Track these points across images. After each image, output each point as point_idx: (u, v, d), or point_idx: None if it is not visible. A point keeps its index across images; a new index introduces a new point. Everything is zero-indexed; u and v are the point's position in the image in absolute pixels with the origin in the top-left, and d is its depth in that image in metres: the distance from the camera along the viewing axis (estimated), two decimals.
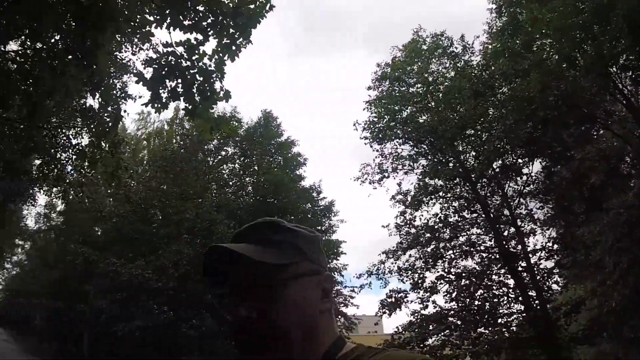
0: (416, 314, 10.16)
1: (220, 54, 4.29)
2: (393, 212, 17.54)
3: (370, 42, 64.58)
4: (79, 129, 9.30)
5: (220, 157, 16.45)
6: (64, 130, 9.40)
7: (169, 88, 4.30)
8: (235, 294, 0.67)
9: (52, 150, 9.43)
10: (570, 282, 9.30)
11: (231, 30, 4.26)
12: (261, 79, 57.90)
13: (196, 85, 4.34)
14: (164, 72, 4.35)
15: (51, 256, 24.62)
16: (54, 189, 10.57)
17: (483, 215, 9.89)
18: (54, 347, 23.18)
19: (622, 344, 7.99)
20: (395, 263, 10.92)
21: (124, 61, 8.64)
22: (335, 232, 13.33)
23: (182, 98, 4.42)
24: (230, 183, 14.83)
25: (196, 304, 11.70)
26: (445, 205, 10.40)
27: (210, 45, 4.38)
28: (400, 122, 10.71)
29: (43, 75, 4.59)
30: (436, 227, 10.34)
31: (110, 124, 5.95)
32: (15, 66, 5.76)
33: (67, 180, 10.03)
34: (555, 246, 9.66)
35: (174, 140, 18.07)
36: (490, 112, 9.60)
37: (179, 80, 4.37)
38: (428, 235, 10.31)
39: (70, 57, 4.54)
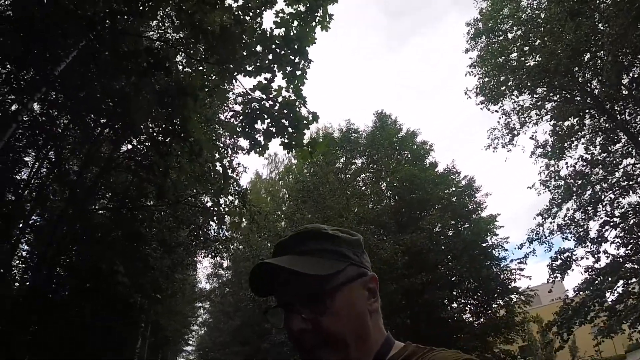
0: (590, 270, 10.28)
1: (293, 82, 5.08)
2: (536, 170, 17.44)
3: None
4: (201, 194, 12.14)
5: (350, 171, 18.80)
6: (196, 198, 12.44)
7: (262, 130, 5.03)
8: (287, 308, 0.81)
9: (194, 219, 12.68)
10: None
11: (290, 57, 5.01)
12: (363, 79, 61.73)
13: (283, 119, 5.10)
14: (254, 117, 5.22)
15: (229, 308, 29.95)
16: (206, 252, 13.71)
17: (631, 142, 9.74)
18: None
19: None
20: (554, 222, 11.29)
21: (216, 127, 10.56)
22: (485, 208, 14.03)
23: (275, 135, 5.23)
24: (368, 192, 16.76)
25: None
26: (588, 144, 10.48)
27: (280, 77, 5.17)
28: (509, 73, 11.47)
29: (156, 161, 6.21)
30: (585, 170, 10.51)
31: (222, 181, 7.20)
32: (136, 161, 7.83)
33: (217, 242, 13.47)
34: None
35: (305, 171, 21.10)
36: (600, 28, 9.67)
37: (268, 120, 5.18)
38: (579, 181, 10.48)
39: (168, 138, 5.82)
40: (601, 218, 10.88)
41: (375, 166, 18.63)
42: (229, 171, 11.44)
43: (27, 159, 9.27)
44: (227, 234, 13.52)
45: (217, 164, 6.52)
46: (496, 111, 12.84)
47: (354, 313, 0.81)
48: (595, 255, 10.98)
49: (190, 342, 43.86)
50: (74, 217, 8.69)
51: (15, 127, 5.16)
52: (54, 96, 7.05)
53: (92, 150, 9.02)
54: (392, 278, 12.97)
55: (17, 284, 12.51)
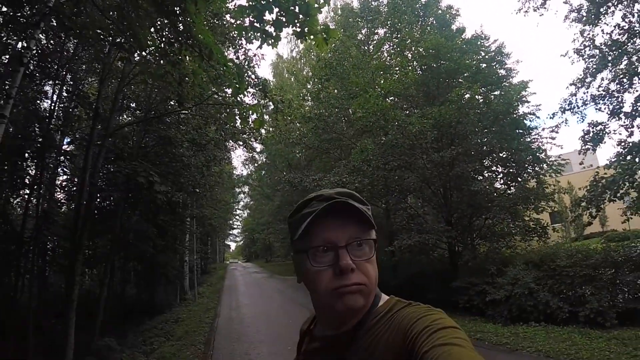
0: (623, 143, 10.12)
1: None
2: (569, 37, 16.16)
3: None
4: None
5: (373, 42, 18.13)
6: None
7: (272, 21, 4.82)
8: (331, 245, 0.94)
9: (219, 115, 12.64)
10: None
11: None
12: None
13: (293, 6, 4.94)
14: (261, 8, 4.93)
15: (267, 190, 31.51)
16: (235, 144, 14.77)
17: None
18: None
19: None
20: (587, 92, 10.85)
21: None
22: (516, 74, 13.55)
23: (286, 24, 4.98)
24: (392, 64, 16.31)
25: (395, 190, 14.04)
26: (627, 10, 9.63)
27: None
28: None
29: (168, 70, 6.13)
30: (622, 39, 9.76)
31: (238, 81, 6.88)
32: None
33: (244, 134, 14.01)
34: None
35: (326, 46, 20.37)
36: None
37: (276, 10, 4.97)
38: (615, 51, 9.88)
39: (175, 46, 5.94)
40: (637, 91, 10.47)
41: (399, 35, 17.87)
42: (245, 63, 11.48)
43: (46, 88, 9.55)
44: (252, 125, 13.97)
45: (230, 64, 6.49)
46: None
47: (375, 267, 0.98)
48: (629, 130, 10.78)
49: (235, 226, 47.85)
50: (104, 134, 9.17)
51: (23, 70, 5.35)
52: (54, 23, 7.02)
53: (106, 68, 9.13)
54: (421, 152, 13.37)
55: (63, 208, 13.78)
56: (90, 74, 11.45)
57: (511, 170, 13.71)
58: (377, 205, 16.46)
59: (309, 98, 22.36)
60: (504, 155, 13.78)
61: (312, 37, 5.04)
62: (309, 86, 24.49)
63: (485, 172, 14.15)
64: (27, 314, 9.65)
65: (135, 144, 11.41)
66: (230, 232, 53.11)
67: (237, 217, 47.37)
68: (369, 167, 13.94)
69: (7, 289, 11.08)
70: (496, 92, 13.93)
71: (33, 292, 9.89)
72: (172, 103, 12.11)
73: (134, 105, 12.73)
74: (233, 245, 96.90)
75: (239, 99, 8.44)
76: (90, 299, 13.69)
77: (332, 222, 0.94)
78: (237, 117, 9.07)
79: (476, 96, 13.52)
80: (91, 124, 9.18)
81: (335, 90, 19.49)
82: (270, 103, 11.63)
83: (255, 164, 36.78)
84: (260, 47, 5.53)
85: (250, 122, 9.49)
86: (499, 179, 14.26)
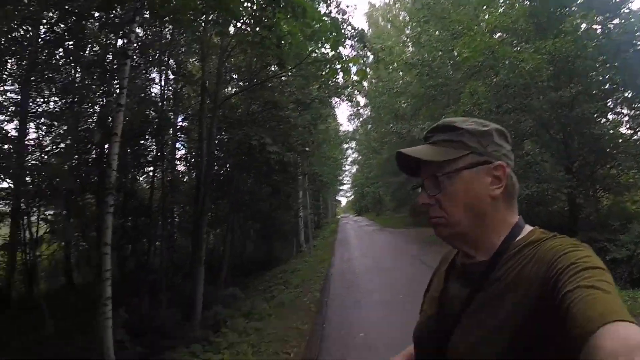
0: None
1: None
2: None
3: None
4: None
5: None
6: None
7: None
8: (420, 187, 1.05)
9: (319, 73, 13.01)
10: None
11: None
12: None
13: None
14: None
15: (374, 143, 31.68)
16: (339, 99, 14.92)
17: None
18: None
19: None
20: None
21: None
22: (633, 0, 11.70)
23: None
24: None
25: (512, 134, 13.37)
26: None
27: None
28: None
29: (265, 35, 6.37)
30: None
31: (335, 34, 6.91)
32: None
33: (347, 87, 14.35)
34: None
35: None
36: None
37: None
38: None
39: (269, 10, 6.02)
40: None
41: None
42: (339, 16, 11.53)
43: (153, 75, 10.68)
44: (355, 77, 14.15)
45: (324, 18, 6.67)
46: None
47: (470, 196, 0.96)
48: None
49: (345, 182, 49.17)
50: (213, 107, 10.05)
51: (129, 62, 6.08)
52: (148, 15, 7.71)
53: (205, 46, 9.87)
54: (537, 92, 12.47)
55: (185, 178, 15.50)
56: (191, 55, 12.51)
57: (638, 112, 12.25)
58: None
59: (409, 44, 21.72)
60: (630, 95, 12.30)
61: None
62: (407, 31, 23.72)
63: (610, 113, 12.83)
64: (159, 274, 11.30)
65: (243, 112, 12.27)
66: (340, 187, 54.81)
67: (346, 172, 48.59)
68: (480, 111, 13.38)
69: (141, 255, 13.03)
70: (615, 21, 12.34)
71: (164, 256, 11.46)
72: (272, 68, 12.80)
73: (236, 76, 13.59)
74: (344, 201, 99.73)
75: (339, 51, 8.63)
76: (213, 257, 15.46)
77: (421, 161, 1.02)
78: (338, 71, 9.27)
79: (593, 26, 12.10)
80: (200, 100, 10.13)
81: (437, 32, 18.70)
82: (370, 54, 11.66)
83: (361, 119, 37.04)
84: None
85: (352, 75, 9.67)
86: (624, 122, 12.85)
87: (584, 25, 12.12)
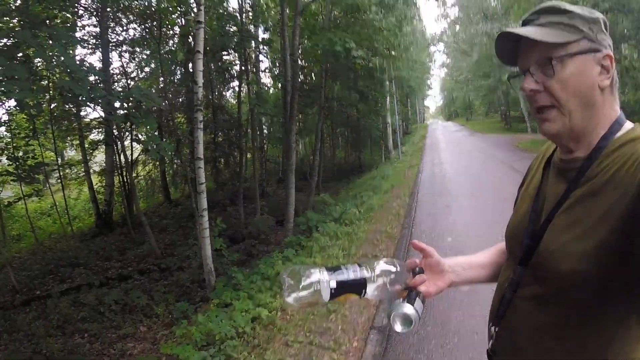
0: None
1: None
2: None
3: None
4: None
5: None
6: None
7: None
8: (524, 73, 0.95)
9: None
10: None
11: None
12: None
13: None
14: None
15: (463, 45, 29.94)
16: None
17: None
18: None
19: None
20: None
21: None
22: None
23: None
24: None
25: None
26: None
27: None
28: None
29: None
30: None
31: None
32: None
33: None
34: None
35: None
36: None
37: None
38: None
39: None
40: None
41: None
42: None
43: None
44: None
45: None
46: None
47: (581, 83, 0.89)
48: None
49: (433, 87, 47.04)
50: (293, 15, 9.68)
51: None
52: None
53: None
54: None
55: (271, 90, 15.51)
56: None
57: None
58: None
59: None
60: None
61: None
62: None
63: None
64: (253, 183, 11.79)
65: (325, 18, 11.78)
66: (428, 93, 52.55)
67: (434, 76, 46.34)
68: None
69: (234, 166, 13.66)
70: None
71: (256, 165, 11.92)
72: None
73: None
74: (432, 106, 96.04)
75: None
76: (304, 164, 15.92)
77: (523, 46, 0.95)
78: None
79: None
80: (280, 10, 9.80)
81: None
82: None
83: (448, 20, 34.23)
84: None
85: None
86: None
87: None
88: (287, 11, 10.26)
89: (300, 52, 10.72)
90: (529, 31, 0.91)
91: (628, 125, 0.92)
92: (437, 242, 6.43)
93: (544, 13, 0.95)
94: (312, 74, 14.00)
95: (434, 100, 75.29)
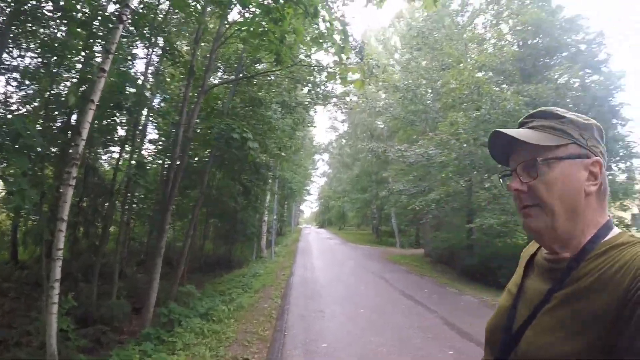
0: None
1: None
2: None
3: None
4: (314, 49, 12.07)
5: (468, 13, 17.36)
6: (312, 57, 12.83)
7: None
8: (511, 171, 0.98)
9: (311, 78, 12.95)
10: None
11: None
12: None
13: None
14: None
15: (347, 158, 31.82)
16: (328, 106, 14.20)
17: None
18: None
19: None
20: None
21: None
22: (612, 61, 12.52)
23: None
24: (488, 37, 15.50)
25: (482, 167, 13.54)
26: None
27: None
28: None
29: (270, 28, 6.11)
30: None
31: (342, 39, 6.34)
32: None
33: (335, 96, 14.17)
34: None
35: (417, 15, 19.96)
36: None
37: None
38: None
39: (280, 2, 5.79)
40: None
41: (495, 7, 16.73)
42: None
43: (135, 51, 10.11)
44: (346, 88, 14.04)
45: (336, 22, 6.42)
46: None
47: (566, 186, 0.90)
48: None
49: (312, 193, 49.16)
50: (199, 92, 9.58)
51: (122, 27, 5.60)
52: None
53: (201, 27, 9.45)
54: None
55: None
56: (181, 37, 11.97)
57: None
58: (458, 183, 16.05)
59: (397, 68, 21.84)
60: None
61: None
62: (396, 56, 23.95)
63: None
64: (113, 261, 10.58)
65: (226, 105, 11.83)
66: (306, 198, 54.65)
67: (314, 182, 48.49)
68: (457, 141, 13.52)
69: (94, 237, 12.22)
70: (594, 77, 13.11)
71: (119, 242, 10.79)
72: (258, 67, 12.46)
73: (222, 67, 13.07)
74: (307, 211, 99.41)
75: (343, 57, 8.35)
76: (171, 250, 14.81)
77: (516, 147, 0.97)
78: (337, 77, 9.00)
79: (573, 79, 12.60)
80: (186, 82, 9.62)
81: (424, 62, 18.91)
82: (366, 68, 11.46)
83: (336, 133, 37.07)
84: (365, 6, 5.51)
85: (349, 83, 9.44)
86: None
87: (565, 77, 12.57)
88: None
89: (195, 130, 10.43)
90: (519, 132, 0.95)
91: (616, 230, 0.92)
92: (311, 348, 6.09)
93: (537, 117, 1.00)
94: (200, 156, 13.58)
95: (309, 205, 78.03)
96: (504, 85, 14.50)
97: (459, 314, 8.78)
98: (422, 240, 26.08)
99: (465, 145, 13.26)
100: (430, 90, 19.11)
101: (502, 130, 0.95)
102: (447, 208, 15.53)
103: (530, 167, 0.93)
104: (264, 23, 6.83)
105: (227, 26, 9.65)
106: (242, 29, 8.21)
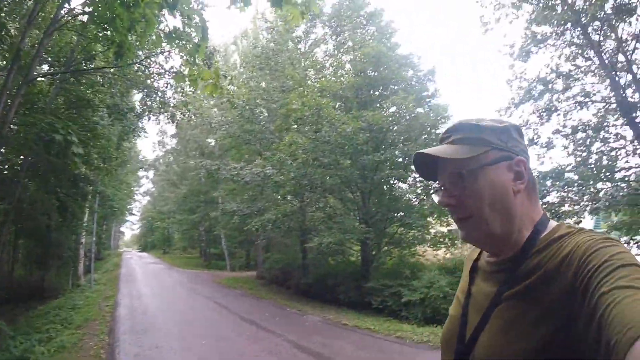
0: (534, 171, 10.83)
1: None
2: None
3: None
4: (167, 54, 11.42)
5: (311, 41, 17.97)
6: (153, 59, 11.81)
7: None
8: (440, 187, 0.99)
9: (149, 82, 12.14)
10: None
11: None
12: None
13: None
14: None
15: (174, 176, 29.97)
16: (161, 116, 12.93)
17: (597, 63, 9.98)
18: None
19: None
20: (508, 119, 11.55)
21: None
22: (440, 95, 14.40)
23: None
24: (327, 65, 16.24)
25: (318, 188, 13.89)
26: (556, 54, 10.64)
27: None
28: None
29: (119, 13, 5.17)
30: (548, 78, 10.71)
31: (200, 38, 5.71)
32: None
33: (172, 105, 13.09)
34: None
35: (261, 37, 20.01)
36: None
37: None
38: (540, 87, 10.77)
39: None
40: (553, 126, 11.32)
41: (337, 38, 17.78)
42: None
43: None
44: (186, 98, 12.93)
45: (196, 16, 5.73)
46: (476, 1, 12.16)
47: (494, 191, 0.91)
48: (541, 159, 11.45)
49: (134, 213, 44.33)
50: (21, 83, 7.69)
51: None
52: None
53: (35, 10, 7.67)
54: (353, 153, 13.35)
55: None
56: (12, 17, 9.61)
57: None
58: (292, 203, 16.22)
59: (235, 83, 21.41)
60: None
61: (288, 7, 4.71)
62: (234, 73, 23.52)
63: (410, 179, 14.56)
64: None
65: (48, 102, 9.78)
66: (129, 217, 49.19)
67: (137, 201, 43.90)
68: (294, 161, 13.65)
69: None
70: (420, 109, 14.68)
71: None
72: (91, 65, 10.66)
73: (50, 60, 10.82)
74: (128, 234, 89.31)
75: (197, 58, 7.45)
76: None
77: (440, 164, 0.98)
78: (186, 79, 8.03)
79: (403, 111, 13.98)
80: (9, 68, 7.62)
81: (263, 84, 18.94)
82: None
83: (164, 149, 34.58)
84: (229, 7, 4.76)
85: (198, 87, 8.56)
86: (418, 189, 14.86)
87: (394, 108, 13.86)
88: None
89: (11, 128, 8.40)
90: (438, 150, 0.96)
91: (552, 223, 0.94)
92: None
93: (454, 131, 1.00)
94: (11, 162, 10.91)
95: (131, 227, 70.38)
96: (339, 112, 15.30)
97: (307, 336, 8.67)
98: (254, 262, 25.86)
99: (303, 165, 13.45)
100: (266, 111, 19.14)
101: (423, 151, 0.97)
102: (283, 228, 15.51)
103: (457, 180, 0.94)
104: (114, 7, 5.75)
105: (66, 9, 8.07)
106: (87, 10, 6.86)
